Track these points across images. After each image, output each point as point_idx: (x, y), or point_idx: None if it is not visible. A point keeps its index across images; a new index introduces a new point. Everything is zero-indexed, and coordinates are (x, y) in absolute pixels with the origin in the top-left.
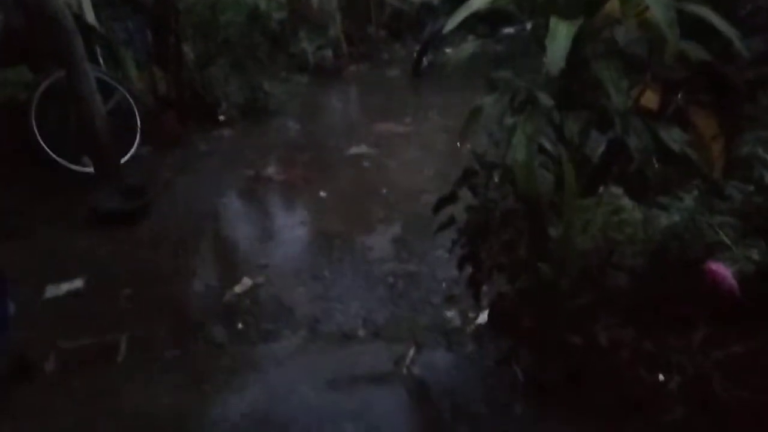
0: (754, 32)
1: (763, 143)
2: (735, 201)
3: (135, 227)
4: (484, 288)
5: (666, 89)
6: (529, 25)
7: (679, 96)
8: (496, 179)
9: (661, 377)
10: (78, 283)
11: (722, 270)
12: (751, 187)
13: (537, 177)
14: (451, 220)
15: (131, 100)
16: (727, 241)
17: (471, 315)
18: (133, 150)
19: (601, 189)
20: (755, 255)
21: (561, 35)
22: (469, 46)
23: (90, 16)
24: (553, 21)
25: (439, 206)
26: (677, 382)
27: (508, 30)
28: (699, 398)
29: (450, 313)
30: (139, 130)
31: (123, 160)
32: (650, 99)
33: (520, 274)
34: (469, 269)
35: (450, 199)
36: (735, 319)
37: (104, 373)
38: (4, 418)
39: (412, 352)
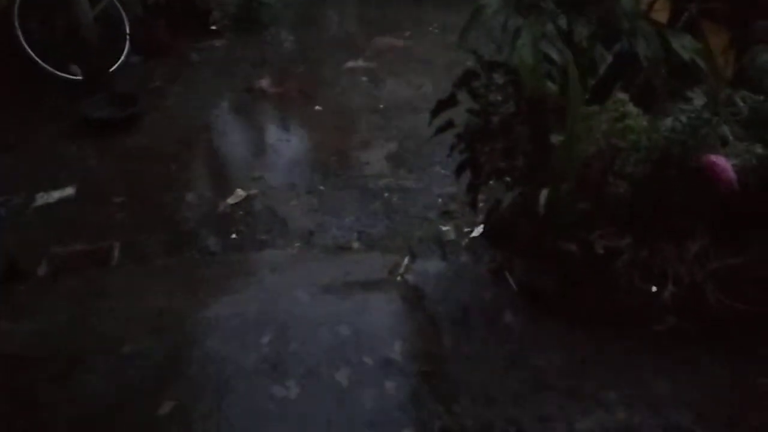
0: None
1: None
2: (742, 110)
3: (126, 136)
4: (481, 197)
5: (677, 0)
6: None
7: (693, 7)
8: (498, 81)
9: (654, 287)
10: (69, 191)
11: (722, 162)
12: (760, 97)
13: (544, 80)
14: (450, 124)
15: (119, 7)
16: (730, 135)
17: (467, 229)
18: (122, 58)
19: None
20: (758, 149)
21: None
22: None
23: None
24: None
25: (437, 110)
26: (671, 291)
27: None
28: (692, 308)
29: (446, 227)
30: (128, 37)
31: (112, 69)
32: (661, 11)
33: (520, 180)
34: (466, 175)
35: (449, 102)
36: (732, 232)
37: (97, 276)
38: None
39: (406, 261)
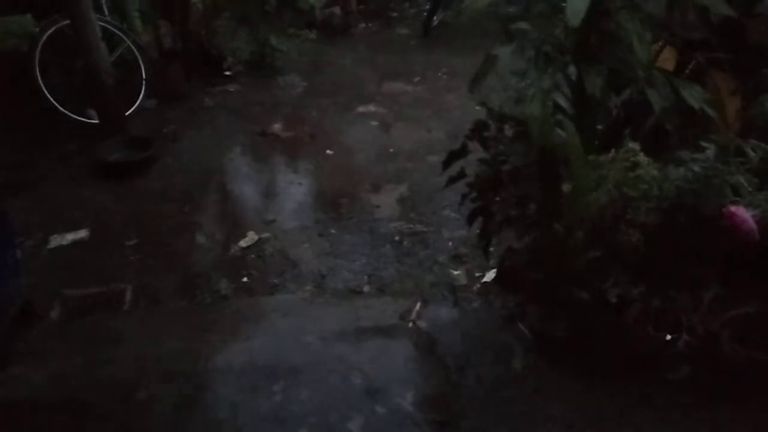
0: None
1: None
2: (753, 159)
3: (140, 179)
4: (493, 241)
5: (684, 49)
6: None
7: (698, 56)
8: (508, 132)
9: (668, 336)
10: (83, 234)
11: (742, 212)
12: None
13: (553, 131)
14: (462, 174)
15: (136, 52)
16: (748, 186)
17: (478, 274)
18: (138, 102)
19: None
20: None
21: None
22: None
23: None
24: None
25: (449, 160)
26: (685, 341)
27: None
28: (706, 358)
29: (457, 272)
30: (144, 82)
31: (128, 113)
32: (667, 59)
33: (531, 228)
34: (478, 224)
35: (460, 152)
36: (745, 281)
37: (109, 320)
38: (9, 363)
39: (418, 306)
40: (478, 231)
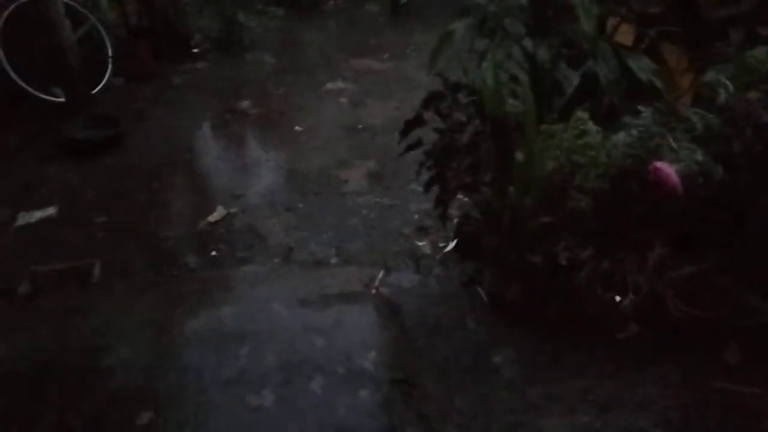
0: None
1: (725, 73)
2: (697, 126)
3: (107, 157)
4: (455, 213)
5: (640, 24)
6: None
7: (651, 30)
8: (463, 101)
9: (616, 297)
10: (50, 211)
11: (666, 168)
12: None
13: (505, 101)
14: (419, 142)
15: (102, 30)
16: (673, 144)
17: (441, 244)
18: (104, 80)
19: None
20: (699, 156)
21: None
22: None
23: None
24: None
25: (406, 130)
26: (631, 300)
27: None
28: (652, 316)
29: (421, 243)
30: (110, 60)
31: (95, 91)
32: (625, 34)
33: (486, 195)
34: (435, 191)
35: (416, 121)
36: (688, 243)
37: (78, 293)
38: None
39: (381, 274)
40: (434, 199)
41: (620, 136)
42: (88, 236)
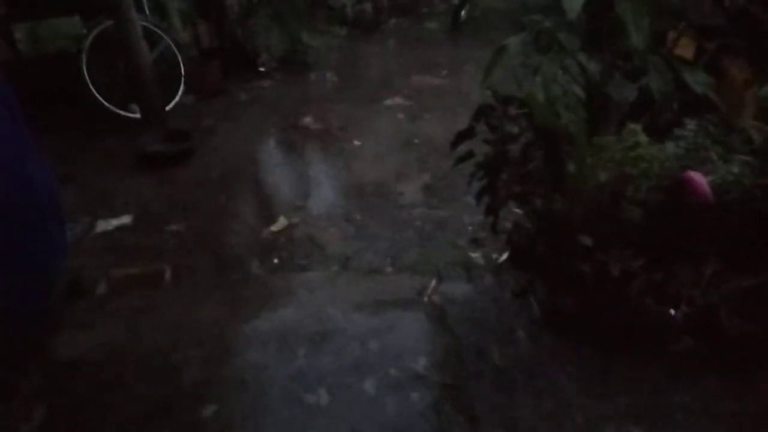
0: None
1: None
2: (756, 140)
3: (179, 170)
4: (503, 224)
5: (701, 37)
6: None
7: (713, 44)
8: (512, 113)
9: (670, 309)
10: (126, 219)
11: (698, 177)
12: None
13: (555, 113)
14: (470, 154)
15: (176, 50)
16: (713, 156)
17: (494, 256)
18: (177, 97)
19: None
20: (735, 168)
21: None
22: None
23: None
24: None
25: (456, 142)
26: (685, 313)
27: None
28: (706, 330)
29: (474, 254)
30: (183, 78)
31: (168, 107)
32: (686, 48)
33: (537, 205)
34: (485, 201)
35: (467, 133)
36: (742, 256)
37: (150, 295)
38: (60, 331)
39: (433, 282)
40: (485, 209)
41: (669, 147)
42: (160, 243)
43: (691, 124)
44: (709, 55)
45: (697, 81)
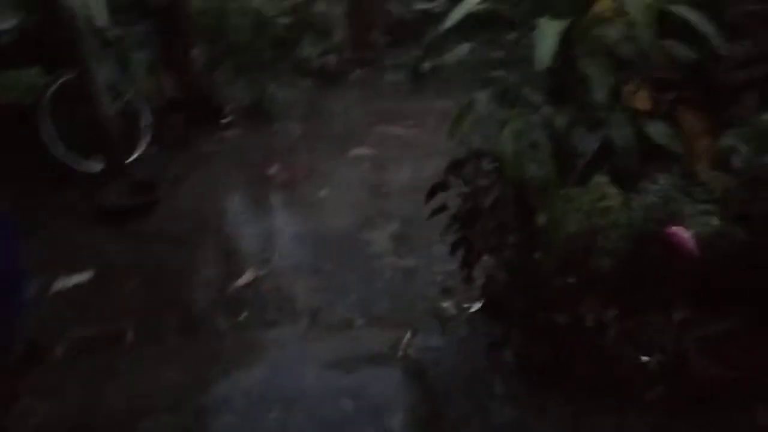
0: (743, 36)
1: (742, 137)
2: (715, 189)
3: (142, 223)
4: (476, 274)
5: (657, 89)
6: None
7: (669, 96)
8: (486, 167)
9: (643, 357)
10: (86, 275)
11: (681, 232)
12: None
13: (526, 167)
14: (443, 207)
15: (139, 101)
16: (689, 208)
17: (466, 305)
18: (141, 149)
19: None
20: (714, 221)
21: (549, 33)
22: (463, 48)
23: (102, 19)
24: (542, 20)
25: (431, 194)
26: (658, 359)
27: (510, 35)
28: (679, 376)
29: (446, 304)
30: (147, 129)
31: (131, 159)
32: (643, 100)
33: (510, 257)
34: (461, 253)
35: (441, 186)
36: (712, 301)
37: (112, 356)
38: (16, 398)
39: (408, 336)
40: (460, 261)
41: (642, 200)
42: (123, 300)
43: (663, 178)
44: (665, 106)
45: (659, 132)
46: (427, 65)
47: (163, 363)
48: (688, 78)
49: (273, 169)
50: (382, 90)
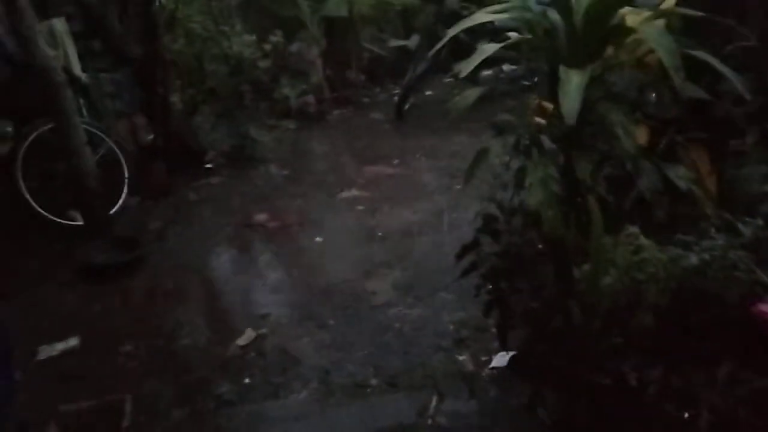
0: (739, 70)
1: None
2: (745, 235)
3: (129, 281)
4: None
5: (658, 127)
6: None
7: (671, 133)
8: (517, 224)
9: (686, 414)
10: (73, 342)
11: None
12: (759, 221)
13: (561, 223)
14: (474, 266)
15: (117, 151)
16: (765, 279)
17: (484, 358)
18: (121, 201)
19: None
20: None
21: (573, 84)
22: (474, 92)
23: (77, 69)
24: (563, 70)
25: (462, 254)
26: (705, 418)
27: (510, 68)
28: None
29: (462, 357)
30: (126, 180)
31: (112, 212)
32: (640, 135)
33: (551, 317)
34: (495, 314)
35: (473, 246)
36: (756, 355)
37: None
38: None
39: (434, 401)
40: (495, 325)
41: (693, 259)
42: (115, 367)
43: (719, 237)
44: (665, 144)
45: (680, 176)
46: (408, 103)
47: None
48: (693, 118)
49: (262, 217)
50: (364, 129)
